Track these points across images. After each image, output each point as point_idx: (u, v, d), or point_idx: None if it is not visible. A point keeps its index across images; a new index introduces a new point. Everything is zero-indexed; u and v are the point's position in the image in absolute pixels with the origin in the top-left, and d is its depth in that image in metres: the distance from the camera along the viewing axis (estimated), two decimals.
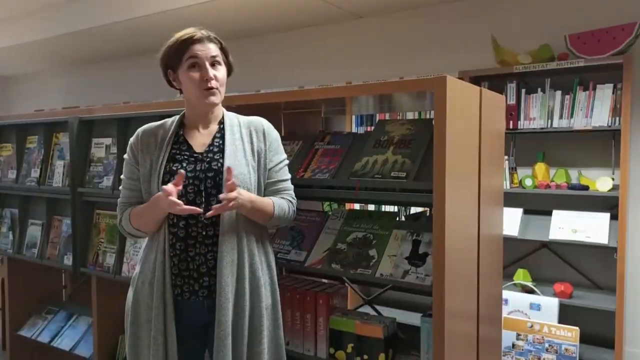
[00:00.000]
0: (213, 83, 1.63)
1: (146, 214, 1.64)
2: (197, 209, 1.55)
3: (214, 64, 1.65)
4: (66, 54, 5.73)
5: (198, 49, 1.62)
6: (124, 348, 2.71)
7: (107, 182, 2.56)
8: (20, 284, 3.20)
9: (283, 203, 1.72)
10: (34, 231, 2.98)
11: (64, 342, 2.94)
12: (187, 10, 3.99)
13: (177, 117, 1.76)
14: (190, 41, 1.62)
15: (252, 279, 1.65)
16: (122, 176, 1.76)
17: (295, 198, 1.79)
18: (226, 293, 1.59)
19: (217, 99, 1.66)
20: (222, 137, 1.70)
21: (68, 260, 2.74)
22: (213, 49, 1.65)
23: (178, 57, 1.63)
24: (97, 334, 2.70)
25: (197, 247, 1.63)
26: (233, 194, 1.53)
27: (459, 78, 2.67)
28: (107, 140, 2.64)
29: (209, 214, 1.54)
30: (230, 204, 1.53)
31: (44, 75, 6.85)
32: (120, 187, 1.76)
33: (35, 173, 2.93)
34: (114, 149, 2.58)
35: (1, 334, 3.43)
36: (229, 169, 1.54)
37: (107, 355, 2.74)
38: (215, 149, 1.68)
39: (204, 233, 1.63)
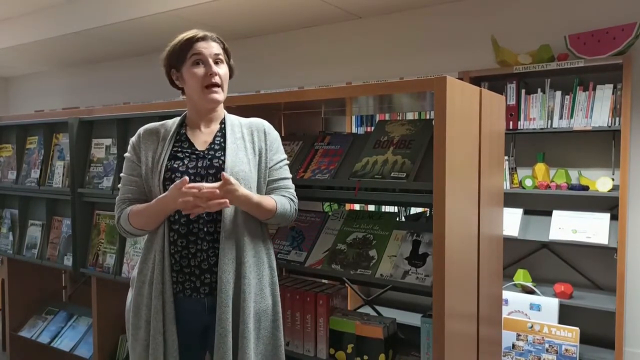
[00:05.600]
0: (216, 79, 1.64)
1: (150, 211, 1.61)
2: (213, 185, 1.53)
3: (217, 62, 1.67)
4: (66, 54, 5.74)
5: (202, 46, 1.65)
6: (124, 349, 2.73)
7: (107, 182, 2.57)
8: (20, 285, 3.20)
9: (284, 201, 1.71)
10: (34, 232, 2.98)
11: (64, 343, 2.94)
12: (187, 11, 3.99)
13: (179, 117, 1.76)
14: (195, 39, 1.65)
15: (253, 277, 1.65)
16: (121, 174, 1.75)
17: (296, 197, 1.79)
18: (227, 290, 1.59)
19: (219, 96, 1.67)
20: (223, 136, 1.71)
21: (68, 261, 2.74)
22: (216, 48, 1.67)
23: (182, 55, 1.66)
24: (97, 334, 2.70)
25: (198, 243, 1.63)
26: (231, 179, 1.54)
27: (459, 78, 2.68)
28: (107, 141, 2.64)
29: (207, 186, 1.52)
30: (227, 186, 1.52)
31: (44, 76, 6.86)
32: (119, 185, 1.75)
33: (35, 174, 2.93)
34: (113, 150, 2.59)
35: (1, 334, 3.43)
36: (224, 175, 1.54)
37: (107, 355, 2.74)
38: (217, 147, 1.69)
39: (205, 229, 1.62)
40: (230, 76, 1.77)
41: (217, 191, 1.52)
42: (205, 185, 1.52)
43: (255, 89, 4.41)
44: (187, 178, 1.53)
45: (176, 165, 1.64)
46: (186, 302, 1.65)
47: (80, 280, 3.21)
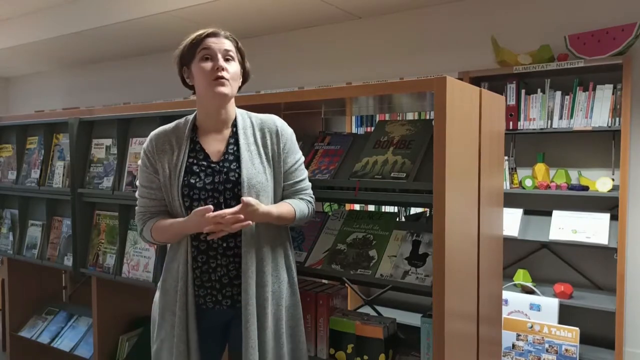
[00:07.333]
0: (223, 73, 1.59)
1: (173, 231, 1.63)
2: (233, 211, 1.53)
3: (227, 58, 1.63)
4: (66, 54, 5.74)
5: (212, 41, 1.62)
6: (124, 349, 2.73)
7: (107, 182, 2.57)
8: (20, 285, 3.20)
9: (302, 206, 1.71)
10: (34, 232, 2.98)
11: (64, 343, 2.94)
12: (187, 11, 3.99)
13: (190, 119, 1.71)
14: (205, 35, 1.63)
15: (273, 284, 1.66)
16: (137, 182, 1.73)
17: (313, 196, 1.78)
18: (252, 305, 1.60)
19: (226, 89, 1.60)
20: (237, 143, 1.67)
21: (68, 261, 2.74)
22: (227, 44, 1.64)
23: (192, 50, 1.63)
24: (97, 334, 2.70)
25: (218, 258, 1.63)
26: (253, 200, 1.54)
27: (459, 78, 2.68)
28: (107, 141, 2.64)
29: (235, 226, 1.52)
30: (248, 208, 1.53)
31: (45, 76, 6.86)
32: (137, 194, 1.72)
33: (35, 174, 2.93)
34: (114, 150, 2.58)
35: (1, 334, 3.43)
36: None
37: (107, 356, 2.74)
38: (231, 157, 1.65)
39: (224, 245, 1.62)
40: (246, 79, 1.74)
41: (240, 215, 1.52)
42: (227, 211, 1.51)
43: (255, 89, 4.41)
44: (211, 207, 1.52)
45: (193, 181, 1.62)
46: (208, 313, 1.68)
47: (80, 280, 3.21)
